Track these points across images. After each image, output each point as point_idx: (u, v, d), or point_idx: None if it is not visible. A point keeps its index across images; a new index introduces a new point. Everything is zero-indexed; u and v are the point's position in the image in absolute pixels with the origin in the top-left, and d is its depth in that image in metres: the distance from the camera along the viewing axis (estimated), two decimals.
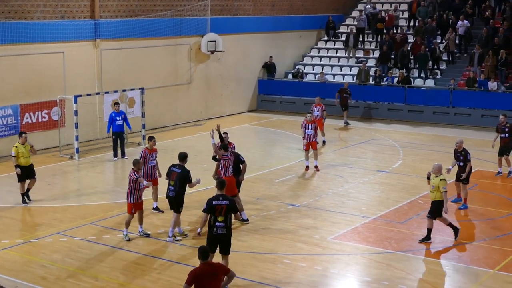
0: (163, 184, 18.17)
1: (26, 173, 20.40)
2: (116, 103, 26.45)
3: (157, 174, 19.37)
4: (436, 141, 29.51)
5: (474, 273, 15.26)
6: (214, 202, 13.99)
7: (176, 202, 17.20)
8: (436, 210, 17.03)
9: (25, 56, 27.08)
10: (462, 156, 20.03)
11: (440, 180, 16.86)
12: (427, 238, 17.11)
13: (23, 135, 20.45)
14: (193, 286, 11.00)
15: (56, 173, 24.65)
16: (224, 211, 13.95)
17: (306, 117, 24.58)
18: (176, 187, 17.06)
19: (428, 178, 17.25)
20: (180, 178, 17.01)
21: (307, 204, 20.35)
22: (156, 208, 19.65)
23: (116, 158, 25.94)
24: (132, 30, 30.95)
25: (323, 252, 16.59)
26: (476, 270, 15.38)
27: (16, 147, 20.25)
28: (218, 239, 14.11)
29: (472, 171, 23.74)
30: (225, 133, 19.48)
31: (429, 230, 17.12)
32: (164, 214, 18.96)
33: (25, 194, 20.46)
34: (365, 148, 28.45)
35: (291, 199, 20.94)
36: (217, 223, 13.96)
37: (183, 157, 17.37)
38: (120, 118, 25.76)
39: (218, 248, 14.22)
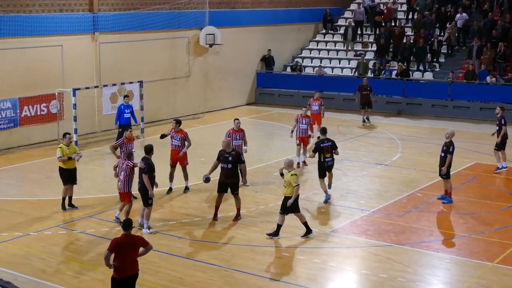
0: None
1: (70, 177, 18.96)
2: (126, 96, 26.35)
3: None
4: (435, 134, 29.48)
5: (473, 266, 15.27)
6: (322, 145, 19.68)
7: (141, 193, 17.28)
8: (288, 207, 16.69)
9: (24, 49, 27.03)
10: (445, 147, 19.63)
11: (291, 175, 16.48)
12: (275, 234, 16.82)
13: (67, 135, 19.01)
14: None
15: (55, 166, 24.50)
16: (330, 149, 19.68)
17: (302, 112, 24.36)
18: (140, 179, 17.17)
19: (281, 174, 17.00)
20: (139, 170, 17.11)
21: (305, 198, 20.32)
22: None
23: None
24: (131, 23, 30.90)
25: (321, 245, 16.60)
26: (475, 263, 15.40)
27: (61, 148, 18.72)
28: (328, 168, 19.82)
29: (471, 164, 23.87)
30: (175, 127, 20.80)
31: (279, 226, 16.82)
32: (165, 208, 18.98)
33: (69, 201, 19.12)
34: (364, 141, 28.45)
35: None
36: (326, 159, 19.66)
37: (147, 150, 17.38)
38: (129, 111, 25.68)
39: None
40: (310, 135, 24.47)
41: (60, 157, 18.58)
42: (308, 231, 16.94)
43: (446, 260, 15.66)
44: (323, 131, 20.16)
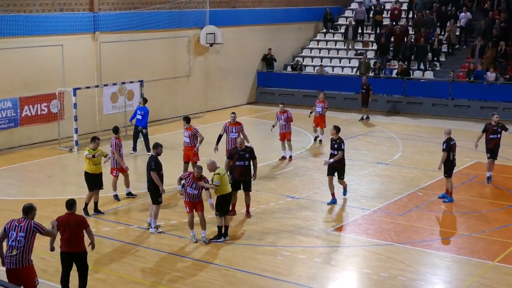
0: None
1: (96, 182, 18.50)
2: (142, 98, 26.47)
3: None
4: (435, 133, 29.46)
5: (474, 264, 15.28)
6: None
7: (150, 192, 17.27)
8: (222, 207, 16.59)
9: (24, 49, 27.03)
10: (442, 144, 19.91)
11: (214, 174, 16.48)
12: (218, 237, 16.63)
13: (97, 140, 18.51)
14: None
15: (56, 166, 24.65)
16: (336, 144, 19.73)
17: (279, 108, 25.06)
18: (148, 177, 17.18)
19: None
20: (147, 167, 17.08)
21: (306, 196, 20.37)
22: (129, 193, 20.14)
23: (132, 152, 25.67)
24: (131, 22, 30.89)
25: (322, 244, 16.61)
26: (476, 262, 15.41)
27: (88, 150, 18.40)
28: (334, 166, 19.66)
29: (472, 163, 23.87)
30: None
31: (220, 228, 16.65)
32: (166, 208, 18.94)
33: (95, 207, 18.66)
34: (365, 140, 28.45)
35: (291, 191, 20.95)
36: (332, 151, 19.63)
37: (153, 146, 17.47)
38: (140, 114, 25.62)
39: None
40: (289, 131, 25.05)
41: (88, 154, 18.25)
42: (219, 235, 16.64)
43: (447, 259, 15.66)
44: (336, 128, 20.05)
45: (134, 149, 25.92)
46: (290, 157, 24.87)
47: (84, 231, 13.25)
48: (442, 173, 20.05)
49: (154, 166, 16.91)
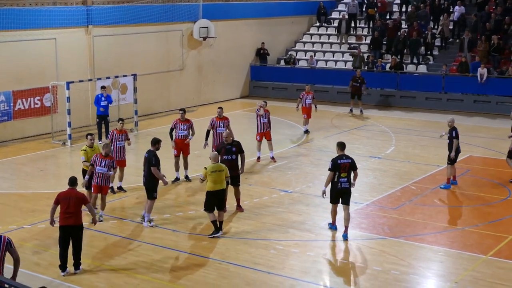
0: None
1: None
2: (102, 87, 26.60)
3: (125, 155, 20.20)
4: (429, 126, 29.57)
5: (467, 258, 15.31)
6: (339, 161, 16.04)
7: (146, 187, 17.20)
8: (207, 204, 16.41)
9: (17, 42, 26.95)
10: (449, 133, 20.23)
11: (204, 167, 16.40)
12: (215, 231, 16.42)
13: (89, 136, 18.17)
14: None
15: (49, 159, 24.61)
16: (347, 168, 16.03)
17: (261, 105, 23.80)
18: (145, 172, 17.12)
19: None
20: (147, 162, 17.05)
21: (299, 190, 20.38)
22: (120, 188, 20.13)
23: (100, 142, 25.65)
24: (124, 16, 30.81)
25: (315, 238, 16.62)
26: (469, 256, 15.44)
27: (85, 151, 17.94)
28: (342, 192, 16.11)
29: (465, 157, 23.92)
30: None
31: (214, 222, 16.43)
32: (159, 201, 18.93)
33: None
34: (358, 134, 28.47)
35: (284, 185, 20.95)
36: (341, 179, 16.02)
37: (153, 142, 17.39)
38: (104, 102, 26.06)
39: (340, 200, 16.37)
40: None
41: (85, 161, 17.96)
42: (216, 230, 16.45)
43: (440, 253, 15.70)
44: (342, 146, 16.44)
45: (100, 138, 26.00)
46: (272, 157, 23.79)
47: (84, 206, 14.16)
48: (434, 165, 20.15)
49: (155, 162, 16.92)
